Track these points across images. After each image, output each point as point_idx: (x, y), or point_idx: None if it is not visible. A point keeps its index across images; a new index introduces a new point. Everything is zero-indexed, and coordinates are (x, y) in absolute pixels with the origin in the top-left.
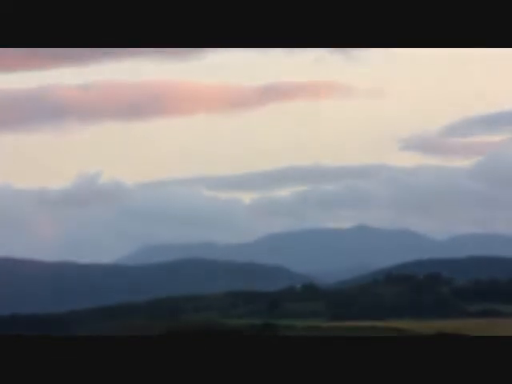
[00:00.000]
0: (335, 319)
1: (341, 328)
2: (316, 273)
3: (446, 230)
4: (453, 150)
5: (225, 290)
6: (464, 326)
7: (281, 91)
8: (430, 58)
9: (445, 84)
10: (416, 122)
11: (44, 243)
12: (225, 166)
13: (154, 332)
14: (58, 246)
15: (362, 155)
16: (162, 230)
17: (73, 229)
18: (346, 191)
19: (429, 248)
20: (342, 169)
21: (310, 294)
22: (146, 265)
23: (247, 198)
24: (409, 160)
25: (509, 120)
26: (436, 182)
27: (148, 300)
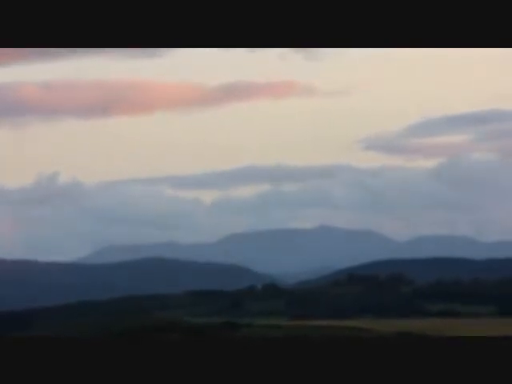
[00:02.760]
0: (296, 319)
1: (301, 327)
2: (278, 273)
3: (408, 230)
4: (415, 151)
5: (186, 289)
6: (425, 325)
7: (243, 90)
8: (392, 58)
9: (407, 84)
10: (378, 123)
11: (3, 241)
12: (186, 166)
13: (115, 331)
14: (18, 245)
15: (324, 155)
16: (124, 229)
17: (33, 228)
18: (308, 191)
19: (391, 248)
20: (304, 169)
21: (271, 293)
22: (108, 264)
23: (209, 197)
24: (371, 160)
25: (471, 121)
26: (398, 182)
27: (109, 299)
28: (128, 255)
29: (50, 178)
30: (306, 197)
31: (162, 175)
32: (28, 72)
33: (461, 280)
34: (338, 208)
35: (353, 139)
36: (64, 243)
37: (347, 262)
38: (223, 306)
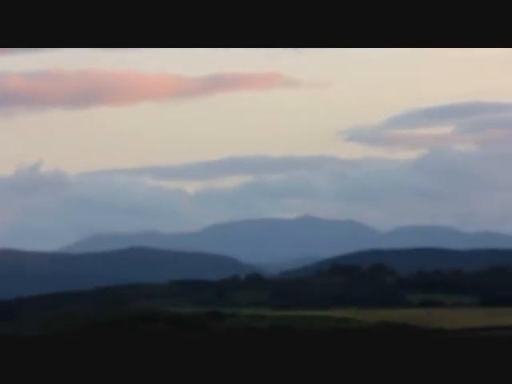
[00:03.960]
0: (280, 309)
1: (285, 317)
2: (261, 263)
3: (391, 221)
4: (397, 143)
5: (170, 279)
6: (408, 315)
7: (226, 81)
8: (374, 51)
9: (389, 77)
10: (361, 114)
11: None
12: (169, 156)
13: (100, 321)
14: (2, 234)
15: (307, 146)
16: (107, 219)
17: (16, 217)
18: (291, 182)
19: (373, 239)
20: (287, 160)
21: (254, 283)
22: (92, 253)
23: (192, 187)
24: (354, 152)
25: (452, 113)
26: (381, 173)
27: (93, 288)
28: (112, 245)
29: (34, 167)
30: (289, 187)
31: (146, 166)
32: (12, 62)
33: (443, 270)
34: (321, 199)
35: (335, 131)
36: (47, 233)
37: (330, 252)
38: (207, 296)
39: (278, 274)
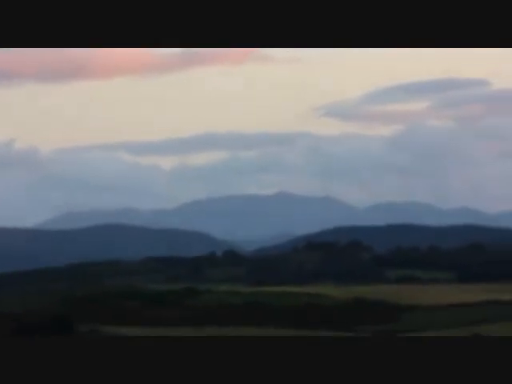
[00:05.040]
0: (256, 285)
1: (261, 293)
2: (237, 239)
3: (367, 197)
4: (373, 119)
5: (146, 256)
6: (383, 291)
7: (201, 56)
8: None
9: (364, 54)
10: (336, 90)
11: None
12: (144, 132)
13: (76, 297)
14: None
15: (282, 122)
16: (82, 196)
17: None
18: (266, 158)
19: (350, 215)
20: (263, 136)
21: (231, 260)
22: (66, 230)
23: (167, 164)
24: (329, 128)
25: (429, 88)
26: (357, 149)
27: (69, 265)
28: (87, 222)
29: (7, 144)
30: (265, 164)
31: (120, 142)
32: None
33: (420, 247)
34: (297, 175)
35: (311, 107)
36: (21, 210)
37: (306, 228)
38: (183, 273)
39: (254, 250)
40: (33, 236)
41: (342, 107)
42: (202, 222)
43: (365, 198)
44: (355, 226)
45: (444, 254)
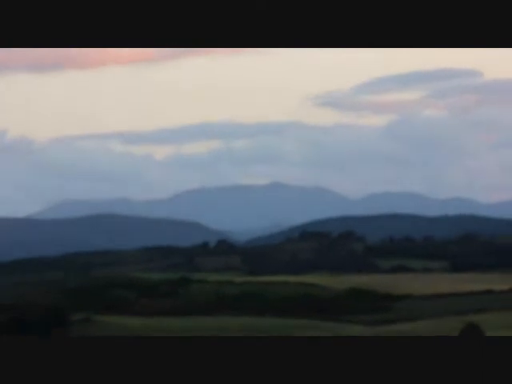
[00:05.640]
0: (249, 275)
1: (254, 283)
2: (230, 229)
3: (360, 187)
4: (366, 108)
5: (140, 246)
6: (376, 281)
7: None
8: None
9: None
10: (331, 80)
11: None
12: (137, 122)
13: (70, 287)
14: None
15: (276, 112)
16: (75, 185)
17: None
18: (260, 148)
19: (343, 206)
20: (256, 125)
21: (224, 250)
22: (60, 220)
23: (160, 153)
24: (323, 118)
25: (422, 78)
26: (350, 140)
27: (62, 255)
28: (80, 212)
29: (0, 133)
30: (258, 154)
31: (114, 131)
32: None
33: (413, 237)
34: (290, 165)
35: (304, 96)
36: (14, 199)
37: (300, 219)
38: (177, 263)
39: (248, 240)
40: (25, 225)
41: (336, 97)
42: (195, 212)
43: (358, 188)
44: (348, 215)
45: (437, 244)
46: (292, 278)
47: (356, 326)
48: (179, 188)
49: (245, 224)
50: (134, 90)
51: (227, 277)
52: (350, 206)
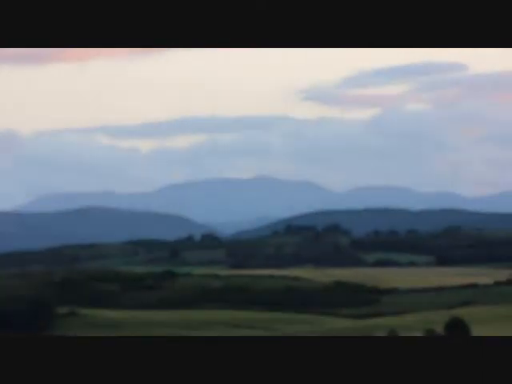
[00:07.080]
0: (235, 268)
1: (239, 276)
2: (216, 223)
3: (345, 181)
4: (351, 102)
5: (125, 239)
6: (362, 274)
7: None
8: None
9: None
10: (316, 74)
11: None
12: (122, 115)
13: (55, 280)
14: None
15: (261, 105)
16: (60, 178)
17: None
18: (245, 141)
19: (328, 199)
20: (241, 119)
21: (209, 243)
22: (45, 213)
23: (145, 147)
24: (309, 111)
25: (407, 72)
26: (335, 133)
27: (47, 248)
28: (65, 205)
29: None
30: (244, 147)
31: (98, 124)
32: None
33: (398, 230)
34: (276, 159)
35: (290, 90)
36: (0, 192)
37: (285, 212)
38: (161, 256)
39: (233, 234)
40: (10, 219)
41: (322, 91)
42: (180, 206)
43: (343, 181)
44: (334, 209)
45: (422, 238)
46: (277, 272)
47: (342, 319)
48: (164, 181)
49: (230, 218)
50: (119, 84)
51: (212, 270)
52: (335, 199)
